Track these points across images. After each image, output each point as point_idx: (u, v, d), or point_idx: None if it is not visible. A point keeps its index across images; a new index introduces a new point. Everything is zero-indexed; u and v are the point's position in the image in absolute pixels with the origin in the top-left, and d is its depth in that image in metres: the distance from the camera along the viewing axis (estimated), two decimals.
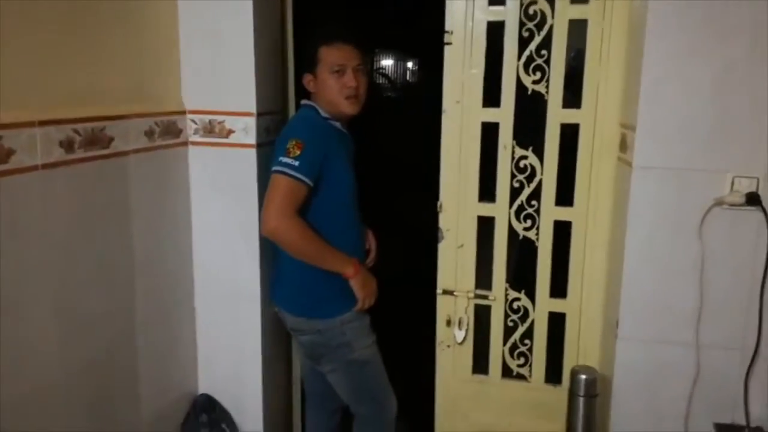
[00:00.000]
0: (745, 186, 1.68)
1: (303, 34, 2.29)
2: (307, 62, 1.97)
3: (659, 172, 1.73)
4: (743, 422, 1.75)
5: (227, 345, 2.22)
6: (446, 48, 2.02)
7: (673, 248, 1.75)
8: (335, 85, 1.91)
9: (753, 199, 1.66)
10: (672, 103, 1.70)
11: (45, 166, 1.53)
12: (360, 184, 2.02)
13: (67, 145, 1.59)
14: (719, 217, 1.71)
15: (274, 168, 1.81)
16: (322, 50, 1.92)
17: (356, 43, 1.95)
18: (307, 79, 1.97)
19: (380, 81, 6.54)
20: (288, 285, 2.02)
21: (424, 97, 3.10)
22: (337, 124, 1.97)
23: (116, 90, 1.81)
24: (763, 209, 1.67)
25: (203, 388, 2.26)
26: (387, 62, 6.71)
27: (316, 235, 1.85)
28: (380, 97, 6.00)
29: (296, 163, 1.78)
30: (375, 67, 6.56)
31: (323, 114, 1.95)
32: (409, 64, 6.85)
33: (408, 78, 6.87)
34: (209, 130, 2.10)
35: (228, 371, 2.24)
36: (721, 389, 1.77)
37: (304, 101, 2.02)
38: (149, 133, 1.92)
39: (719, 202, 1.69)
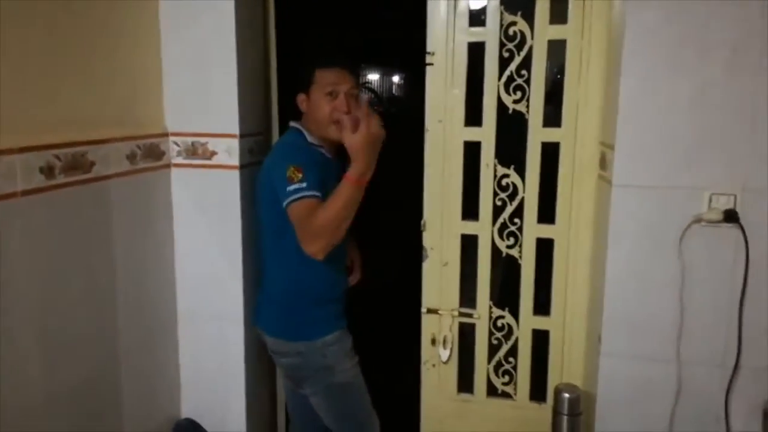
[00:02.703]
0: (723, 203, 1.70)
1: (287, 54, 2.30)
2: (301, 82, 1.98)
3: (638, 189, 1.75)
4: None
5: (210, 368, 2.20)
6: (428, 68, 2.04)
7: (654, 265, 1.77)
8: (326, 108, 1.91)
9: (731, 216, 1.69)
10: (650, 121, 1.72)
11: (25, 193, 1.52)
12: None
13: (48, 171, 1.58)
14: (698, 233, 1.73)
15: (286, 201, 1.76)
16: (317, 72, 1.93)
17: (351, 69, 1.97)
18: (301, 99, 1.98)
19: (367, 95, 6.57)
20: (271, 308, 2.01)
21: (409, 114, 3.12)
22: (323, 150, 1.96)
23: (98, 113, 1.80)
24: (741, 226, 1.69)
25: (186, 411, 2.24)
26: (373, 77, 6.74)
27: (327, 204, 1.73)
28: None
29: (304, 185, 1.76)
30: (361, 82, 6.58)
31: (309, 139, 1.95)
32: (395, 79, 6.88)
33: (394, 93, 6.90)
34: (192, 152, 2.10)
35: (211, 394, 2.21)
36: (703, 405, 1.78)
37: (292, 123, 2.02)
38: (131, 157, 1.91)
39: (698, 219, 1.71)
